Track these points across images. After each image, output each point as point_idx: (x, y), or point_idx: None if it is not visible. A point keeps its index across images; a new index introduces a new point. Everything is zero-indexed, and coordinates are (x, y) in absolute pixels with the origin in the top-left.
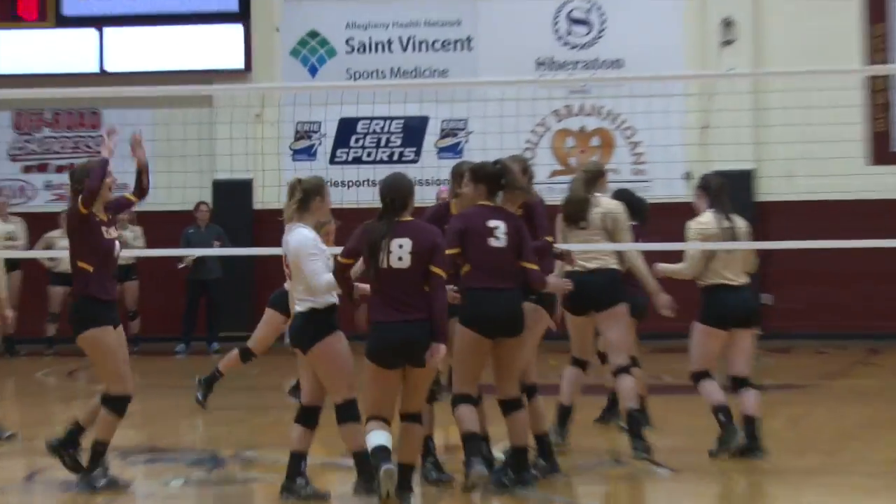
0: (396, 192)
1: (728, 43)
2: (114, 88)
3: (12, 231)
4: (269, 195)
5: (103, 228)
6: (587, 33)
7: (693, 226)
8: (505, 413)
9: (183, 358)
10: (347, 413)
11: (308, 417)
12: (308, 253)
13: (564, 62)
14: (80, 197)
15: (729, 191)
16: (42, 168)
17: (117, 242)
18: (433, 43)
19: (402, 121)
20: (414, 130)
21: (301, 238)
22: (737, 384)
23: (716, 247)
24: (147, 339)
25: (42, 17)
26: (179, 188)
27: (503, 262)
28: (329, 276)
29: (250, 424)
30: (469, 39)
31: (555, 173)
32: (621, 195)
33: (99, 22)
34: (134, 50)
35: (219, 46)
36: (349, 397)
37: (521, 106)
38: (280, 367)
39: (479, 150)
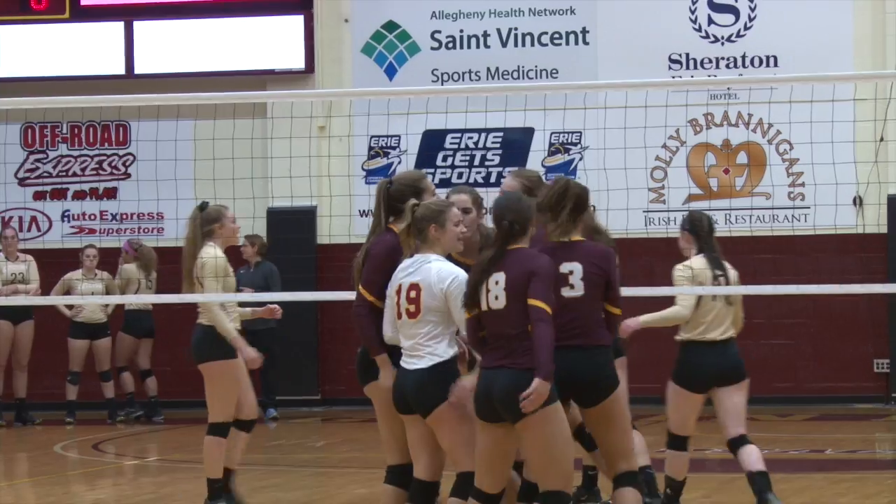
0: (517, 214)
1: None
2: (145, 95)
3: (22, 272)
4: (336, 227)
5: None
6: (733, 23)
7: (682, 270)
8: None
9: None
10: (467, 487)
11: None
12: (461, 293)
13: (704, 59)
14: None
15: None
16: (58, 194)
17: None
18: (540, 36)
19: (501, 134)
20: (516, 146)
21: (446, 273)
22: (734, 444)
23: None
24: (172, 405)
25: (56, 7)
26: None
27: (581, 315)
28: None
29: None
30: (585, 32)
31: (691, 198)
32: None
33: (126, 14)
34: (169, 48)
35: (274, 42)
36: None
37: (649, 114)
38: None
39: (598, 171)
